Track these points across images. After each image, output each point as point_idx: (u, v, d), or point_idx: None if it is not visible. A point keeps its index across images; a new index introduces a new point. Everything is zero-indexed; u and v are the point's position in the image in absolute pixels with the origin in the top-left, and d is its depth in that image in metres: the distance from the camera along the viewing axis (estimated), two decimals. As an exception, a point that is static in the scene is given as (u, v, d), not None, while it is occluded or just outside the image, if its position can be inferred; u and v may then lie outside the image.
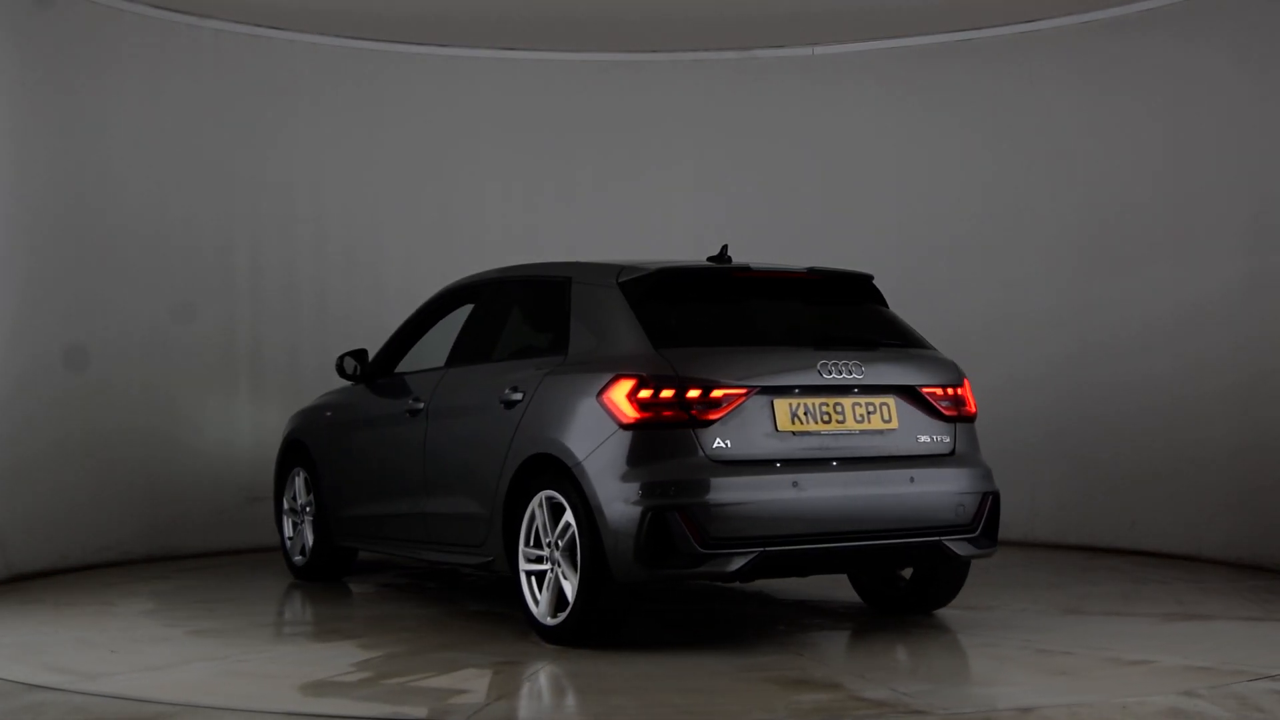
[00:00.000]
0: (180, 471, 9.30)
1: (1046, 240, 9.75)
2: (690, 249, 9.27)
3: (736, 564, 5.60)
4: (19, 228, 8.42)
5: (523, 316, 7.00)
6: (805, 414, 5.84)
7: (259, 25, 9.68)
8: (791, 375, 5.88)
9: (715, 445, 5.67)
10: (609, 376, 5.79)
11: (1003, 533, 9.56)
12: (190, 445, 9.38)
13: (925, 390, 6.14)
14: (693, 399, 5.68)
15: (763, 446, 5.76)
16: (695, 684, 5.21)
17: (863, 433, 5.94)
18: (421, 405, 7.09)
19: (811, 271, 6.51)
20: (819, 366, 5.89)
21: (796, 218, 10.38)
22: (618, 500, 5.64)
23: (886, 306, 6.64)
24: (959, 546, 6.05)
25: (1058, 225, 9.69)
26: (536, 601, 6.09)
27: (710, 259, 6.47)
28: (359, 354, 7.78)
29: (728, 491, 5.63)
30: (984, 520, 6.13)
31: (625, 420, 5.69)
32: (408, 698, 5.14)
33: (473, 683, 5.31)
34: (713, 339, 6.14)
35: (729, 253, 6.53)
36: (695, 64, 10.51)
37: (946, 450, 6.16)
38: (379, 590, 8.03)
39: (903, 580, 6.68)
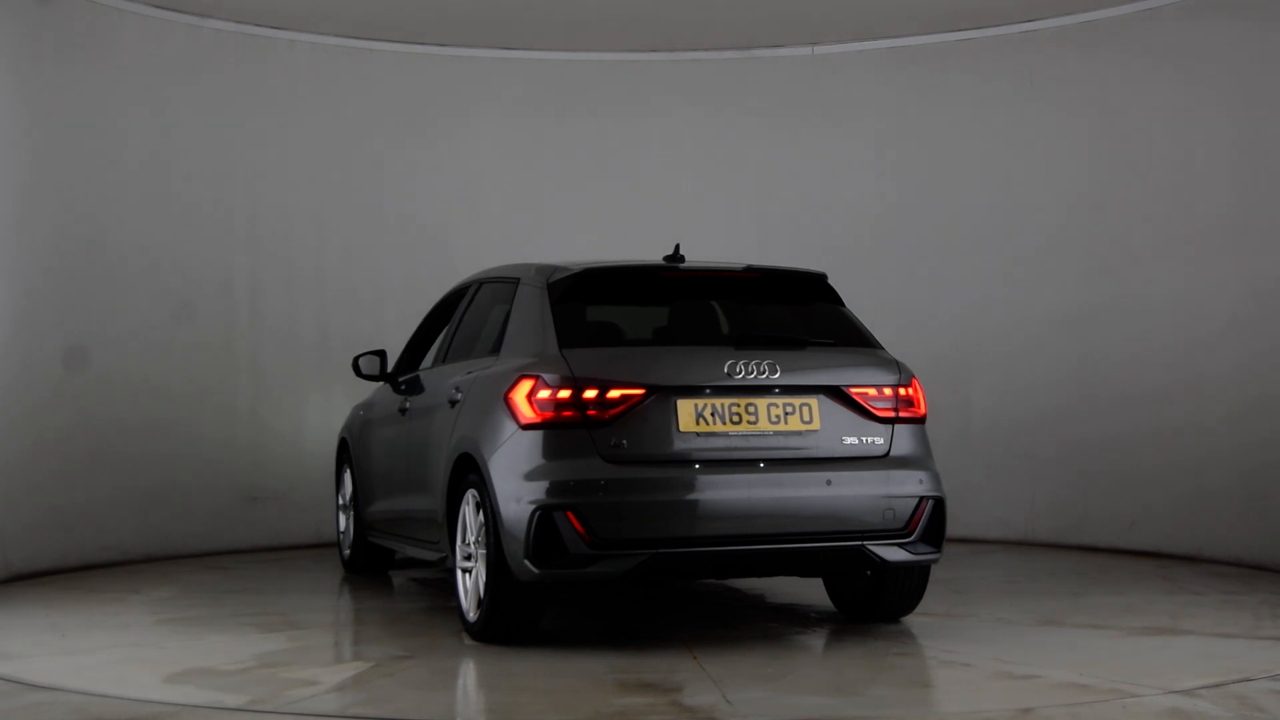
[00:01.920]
0: (180, 472, 9.29)
1: (1048, 241, 9.74)
2: (689, 247, 9.27)
3: (626, 565, 5.56)
4: (18, 227, 8.41)
5: (486, 317, 7.09)
6: (712, 415, 5.75)
7: (259, 25, 9.67)
8: (697, 375, 5.79)
9: (611, 445, 5.64)
10: (515, 377, 5.84)
11: (1005, 533, 9.76)
12: (190, 445, 9.36)
13: (854, 391, 5.96)
14: (589, 399, 5.66)
15: (663, 447, 5.69)
16: (540, 683, 5.26)
17: (777, 434, 5.81)
18: (408, 405, 7.25)
19: (749, 270, 6.48)
20: (727, 366, 5.80)
21: (796, 216, 10.37)
22: (512, 499, 5.67)
23: (841, 305, 6.50)
24: (888, 552, 5.84)
25: (1060, 227, 9.68)
26: (465, 597, 6.18)
27: (666, 258, 6.48)
28: (379, 354, 7.83)
29: (617, 492, 5.59)
30: (921, 525, 5.92)
31: (524, 420, 5.72)
32: (251, 687, 5.24)
33: (336, 675, 5.44)
34: (624, 339, 6.17)
35: (681, 252, 6.54)
36: (695, 63, 10.51)
37: (879, 453, 5.96)
38: (406, 584, 8.18)
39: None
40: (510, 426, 5.76)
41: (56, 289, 8.65)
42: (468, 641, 6.07)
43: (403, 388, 7.54)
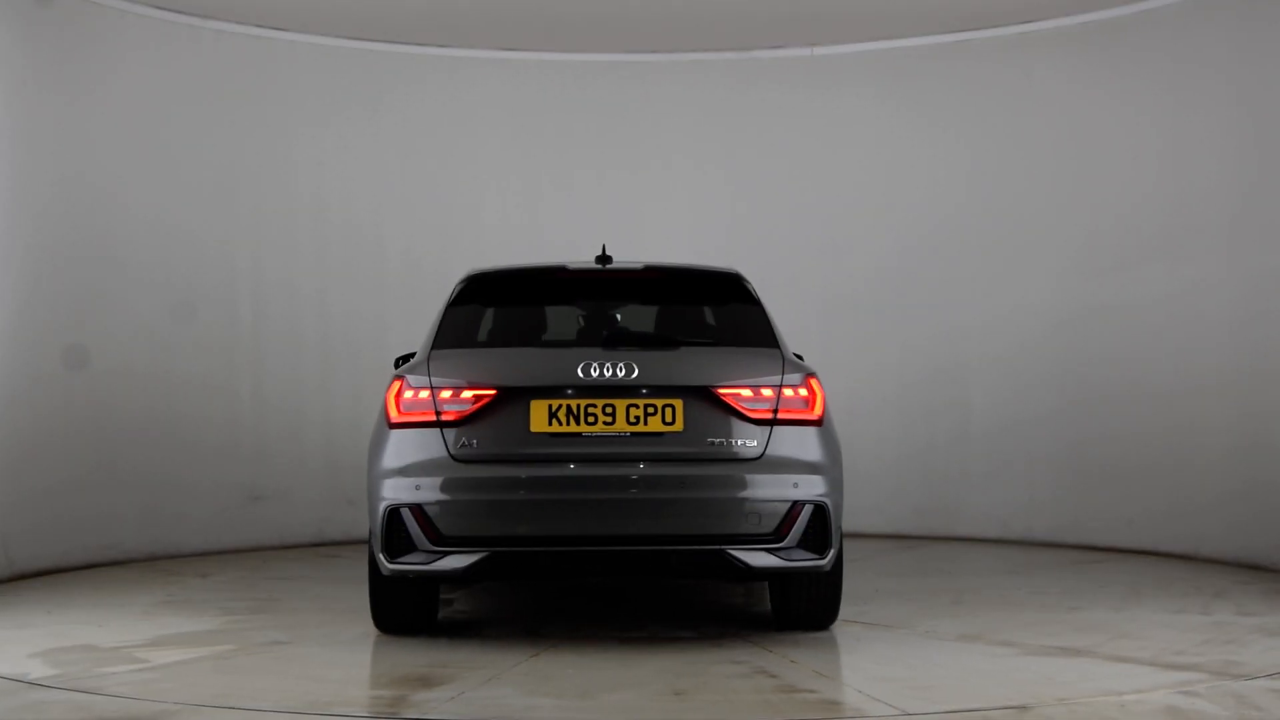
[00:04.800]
0: (182, 471, 9.31)
1: (1045, 240, 9.77)
2: (689, 248, 9.30)
3: (465, 562, 5.65)
4: (20, 227, 8.44)
5: None
6: (567, 415, 5.74)
7: (260, 26, 9.70)
8: (551, 376, 5.82)
9: (460, 445, 5.73)
10: (392, 378, 6.00)
11: (1003, 532, 9.78)
12: (192, 445, 9.39)
13: (723, 391, 5.79)
14: (444, 400, 5.78)
15: (512, 447, 5.74)
16: (333, 673, 5.49)
17: (635, 435, 5.74)
18: None
19: (648, 270, 6.49)
20: (581, 368, 5.79)
21: (795, 216, 10.40)
22: (375, 495, 5.84)
23: (755, 305, 6.36)
24: (753, 557, 5.67)
25: (1057, 225, 9.72)
26: None
27: (596, 258, 6.53)
28: None
29: (459, 491, 5.69)
30: (795, 531, 5.72)
31: (391, 420, 5.87)
32: (81, 665, 5.63)
33: (176, 656, 5.80)
34: (495, 340, 6.23)
35: (608, 252, 6.59)
36: (695, 64, 10.53)
37: (751, 455, 5.77)
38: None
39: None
40: (384, 426, 5.91)
41: (58, 289, 8.68)
42: (371, 632, 6.26)
43: None
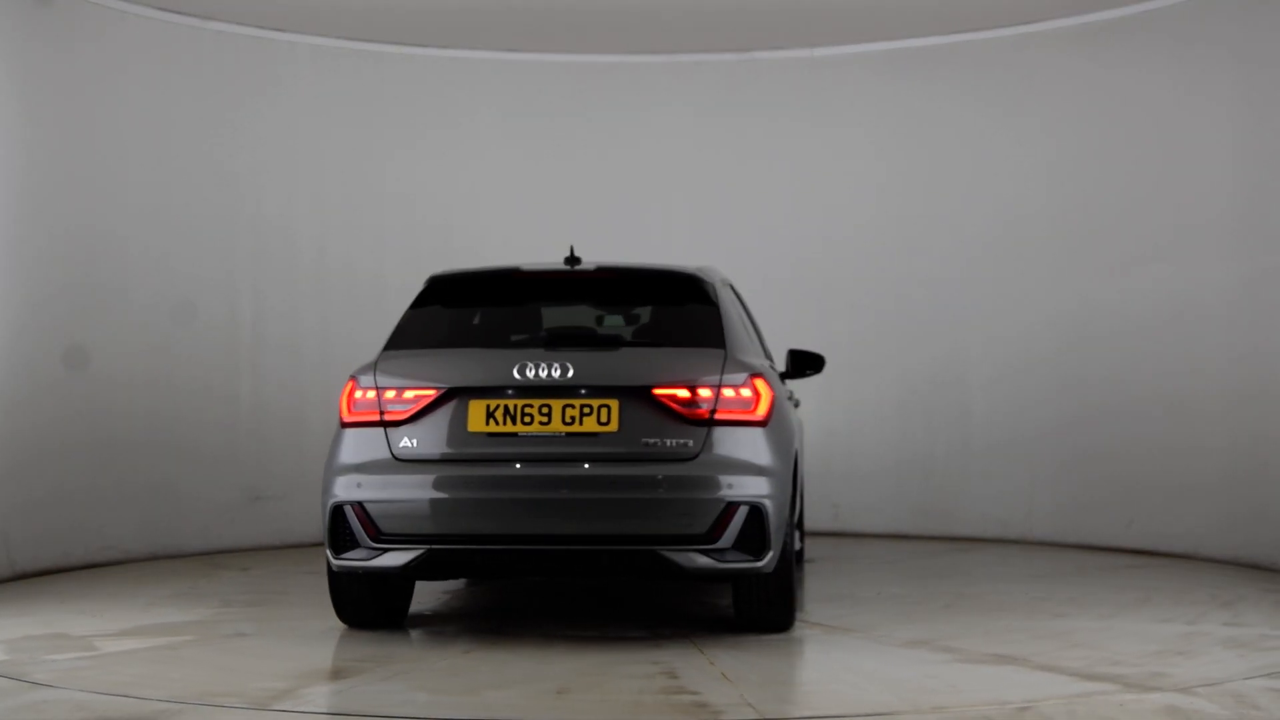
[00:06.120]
0: (182, 471, 9.32)
1: (1045, 241, 9.78)
2: (688, 248, 9.31)
3: (404, 559, 5.76)
4: (21, 227, 8.44)
5: None
6: (504, 415, 5.80)
7: (260, 27, 9.72)
8: (489, 376, 5.87)
9: (402, 444, 5.84)
10: (348, 378, 6.10)
11: (1002, 532, 9.79)
12: (192, 445, 9.40)
13: (660, 391, 5.77)
14: (388, 400, 5.91)
15: (451, 447, 5.82)
16: (259, 664, 5.60)
17: (570, 435, 5.76)
18: None
19: (600, 271, 6.47)
20: (516, 368, 5.83)
21: (795, 217, 10.42)
22: (326, 493, 5.96)
23: (711, 304, 6.27)
24: (685, 558, 5.64)
25: (1057, 226, 9.73)
26: None
27: (565, 260, 6.54)
28: None
29: (398, 489, 5.80)
30: (730, 532, 5.67)
31: (343, 420, 6.02)
32: (39, 652, 5.86)
33: (128, 645, 5.99)
34: (446, 341, 6.28)
35: (576, 253, 6.59)
36: (695, 65, 10.55)
37: (686, 455, 5.73)
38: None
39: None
40: (338, 425, 6.05)
41: (59, 291, 8.68)
42: (339, 626, 6.32)
43: None
